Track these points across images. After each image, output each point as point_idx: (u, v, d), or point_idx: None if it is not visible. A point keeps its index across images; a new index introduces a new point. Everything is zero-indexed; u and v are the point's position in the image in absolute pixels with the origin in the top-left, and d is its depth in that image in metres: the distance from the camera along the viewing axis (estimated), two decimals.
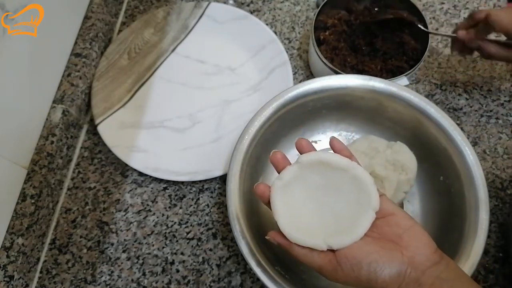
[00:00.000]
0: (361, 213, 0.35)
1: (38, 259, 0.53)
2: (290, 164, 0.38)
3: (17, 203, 0.49)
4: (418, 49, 0.60)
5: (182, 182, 0.59)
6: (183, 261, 0.55)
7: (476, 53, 0.58)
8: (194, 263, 0.54)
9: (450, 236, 0.49)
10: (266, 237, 0.38)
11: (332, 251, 0.35)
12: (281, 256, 0.51)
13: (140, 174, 0.59)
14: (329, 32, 0.62)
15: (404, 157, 0.53)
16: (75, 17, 0.62)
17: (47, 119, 0.55)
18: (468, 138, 0.52)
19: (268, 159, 0.56)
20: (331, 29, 0.62)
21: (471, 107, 0.64)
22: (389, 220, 0.35)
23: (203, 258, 0.55)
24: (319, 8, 0.61)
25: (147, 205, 0.58)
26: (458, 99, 0.64)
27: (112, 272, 0.54)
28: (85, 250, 0.55)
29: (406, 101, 0.52)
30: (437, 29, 0.70)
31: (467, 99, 0.64)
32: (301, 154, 0.38)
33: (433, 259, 0.33)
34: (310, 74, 0.66)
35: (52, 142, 0.54)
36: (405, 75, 0.56)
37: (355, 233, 0.34)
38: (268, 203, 0.37)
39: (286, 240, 0.36)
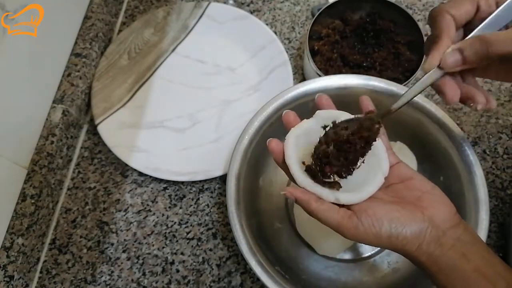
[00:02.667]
0: (370, 175, 0.36)
1: (38, 259, 0.53)
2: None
3: (17, 203, 0.49)
4: (413, 60, 0.59)
5: (182, 182, 0.59)
6: (183, 261, 0.55)
7: None
8: (194, 263, 0.54)
9: None
10: (282, 193, 0.36)
11: (349, 209, 0.34)
12: (281, 256, 0.51)
13: (140, 174, 0.59)
14: (322, 42, 0.62)
15: (404, 157, 0.53)
16: (75, 17, 0.62)
17: (47, 119, 0.55)
18: (468, 138, 0.52)
19: (268, 159, 0.57)
20: (325, 39, 0.62)
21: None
22: (408, 184, 0.36)
23: (203, 258, 0.55)
24: (314, 18, 0.60)
25: (147, 205, 0.58)
26: None
27: (112, 272, 0.54)
28: (85, 250, 0.55)
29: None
30: None
31: None
32: (288, 128, 0.38)
33: (453, 221, 0.34)
34: None
35: (52, 142, 0.54)
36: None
37: (363, 192, 0.34)
38: (280, 160, 0.36)
39: (304, 193, 0.34)
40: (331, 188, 0.35)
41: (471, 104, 0.38)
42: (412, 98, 0.38)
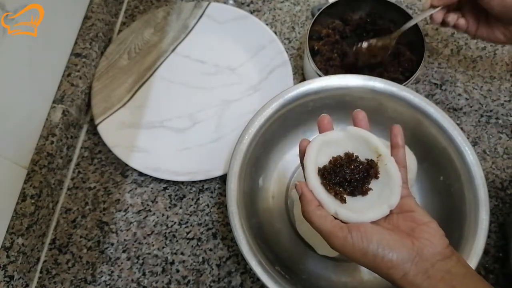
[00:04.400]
0: (377, 204, 0.36)
1: (38, 259, 0.53)
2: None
3: (17, 203, 0.49)
4: (413, 60, 0.60)
5: (182, 182, 0.59)
6: (183, 261, 0.55)
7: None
8: (194, 263, 0.54)
9: (450, 236, 0.49)
10: (295, 183, 0.38)
11: (344, 223, 0.35)
12: (281, 256, 0.51)
13: (140, 174, 0.59)
14: (322, 42, 0.62)
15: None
16: (75, 17, 0.62)
17: (47, 119, 0.55)
18: (468, 138, 0.52)
19: (268, 159, 0.57)
20: (325, 39, 0.62)
21: (471, 107, 0.64)
22: (406, 216, 0.36)
23: (203, 258, 0.55)
24: (314, 18, 0.60)
25: (147, 205, 0.58)
26: (458, 99, 0.64)
27: (112, 272, 0.54)
28: (85, 250, 0.55)
29: (406, 101, 0.52)
30: (437, 29, 0.69)
31: (467, 99, 0.64)
32: (320, 129, 0.40)
33: (444, 253, 0.33)
34: None
35: (52, 142, 0.54)
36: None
37: (363, 217, 0.35)
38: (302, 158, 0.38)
39: (309, 192, 0.36)
40: (336, 198, 0.37)
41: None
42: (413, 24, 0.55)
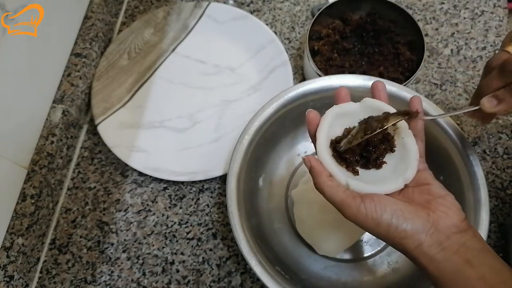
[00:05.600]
0: (392, 177, 0.36)
1: (38, 259, 0.53)
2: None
3: (17, 203, 0.49)
4: (413, 60, 0.59)
5: (182, 182, 0.59)
6: (183, 261, 0.55)
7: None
8: (194, 263, 0.54)
9: None
10: (302, 157, 0.37)
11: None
12: (281, 256, 0.51)
13: (140, 174, 0.59)
14: (322, 42, 0.62)
15: None
16: (75, 17, 0.62)
17: (47, 119, 0.55)
18: (468, 138, 0.52)
19: (268, 159, 0.57)
20: (325, 39, 0.62)
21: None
22: (422, 189, 0.35)
23: (203, 258, 0.55)
24: (314, 18, 0.60)
25: (147, 205, 0.58)
26: (458, 99, 0.64)
27: (112, 272, 0.54)
28: (85, 250, 0.55)
29: (406, 101, 0.52)
30: (437, 29, 0.69)
31: (467, 99, 0.64)
32: (336, 101, 0.39)
33: (459, 227, 0.33)
34: None
35: (52, 142, 0.54)
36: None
37: (376, 188, 0.34)
38: (313, 132, 0.37)
39: (319, 165, 0.35)
40: (348, 170, 0.36)
41: None
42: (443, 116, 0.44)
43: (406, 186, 0.36)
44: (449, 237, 0.32)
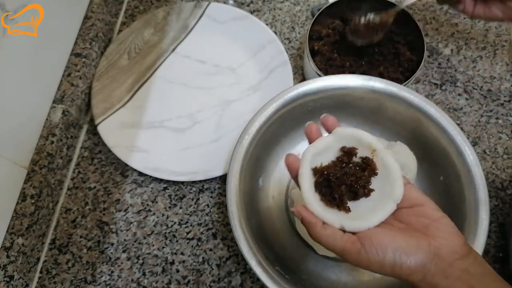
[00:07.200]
0: (381, 203, 0.35)
1: (38, 259, 0.53)
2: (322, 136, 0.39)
3: (17, 203, 0.49)
4: (413, 60, 0.59)
5: (182, 182, 0.59)
6: (183, 261, 0.55)
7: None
8: (194, 263, 0.54)
9: None
10: (292, 209, 0.37)
11: (354, 233, 0.34)
12: (281, 256, 0.51)
13: (140, 174, 0.59)
14: (322, 43, 0.62)
15: (404, 157, 0.53)
16: (75, 17, 0.62)
17: (47, 119, 0.55)
18: (468, 138, 0.52)
19: (268, 159, 0.57)
20: (325, 39, 0.62)
21: (471, 107, 0.64)
22: (416, 211, 0.35)
23: (203, 258, 0.55)
24: (314, 18, 0.60)
25: (147, 205, 0.58)
26: (458, 99, 0.64)
27: (112, 272, 0.54)
28: (85, 250, 0.55)
29: (406, 101, 0.52)
30: (437, 29, 0.70)
31: (467, 99, 0.64)
32: (309, 139, 0.38)
33: (461, 252, 0.32)
34: None
35: (52, 142, 0.54)
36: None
37: (369, 221, 0.34)
38: (295, 176, 0.36)
39: (311, 215, 0.34)
40: (339, 209, 0.35)
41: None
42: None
43: (399, 207, 0.35)
44: (452, 264, 0.32)
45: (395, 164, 0.36)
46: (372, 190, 0.36)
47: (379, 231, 0.33)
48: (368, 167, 0.36)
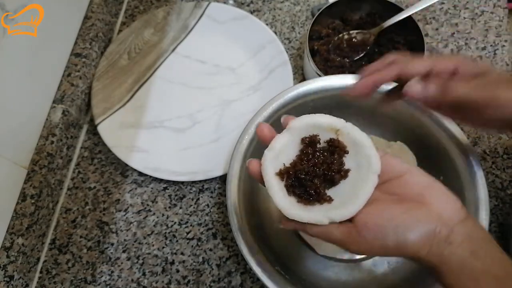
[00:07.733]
0: (362, 179, 0.32)
1: (38, 259, 0.53)
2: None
3: (17, 203, 0.49)
4: None
5: (182, 182, 0.59)
6: (183, 261, 0.55)
7: None
8: (194, 263, 0.54)
9: None
10: (281, 226, 0.35)
11: (349, 221, 0.32)
12: (281, 256, 0.51)
13: (140, 174, 0.59)
14: (322, 42, 0.62)
15: (404, 157, 0.53)
16: (75, 17, 0.62)
17: (47, 119, 0.55)
18: (468, 138, 0.52)
19: None
20: (325, 39, 0.62)
21: None
22: (404, 180, 0.32)
23: (203, 258, 0.55)
24: (314, 18, 0.60)
25: (147, 205, 0.58)
26: None
27: (112, 272, 0.54)
28: (85, 250, 0.55)
29: (406, 101, 0.52)
30: (437, 29, 0.69)
31: None
32: (264, 142, 0.35)
33: (459, 216, 0.31)
34: None
35: (52, 142, 0.54)
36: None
37: (356, 203, 0.31)
38: (262, 180, 0.34)
39: (299, 223, 0.33)
40: (321, 203, 0.33)
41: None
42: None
43: (384, 180, 0.33)
44: (453, 230, 0.30)
45: (364, 135, 0.33)
46: (348, 170, 0.34)
47: (373, 212, 0.31)
48: (336, 149, 0.33)
